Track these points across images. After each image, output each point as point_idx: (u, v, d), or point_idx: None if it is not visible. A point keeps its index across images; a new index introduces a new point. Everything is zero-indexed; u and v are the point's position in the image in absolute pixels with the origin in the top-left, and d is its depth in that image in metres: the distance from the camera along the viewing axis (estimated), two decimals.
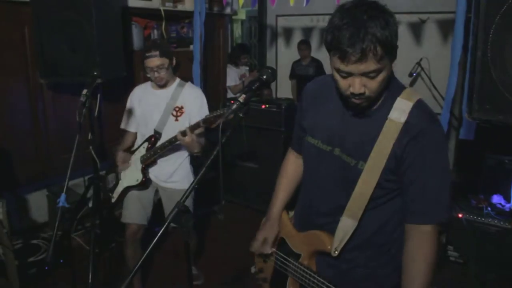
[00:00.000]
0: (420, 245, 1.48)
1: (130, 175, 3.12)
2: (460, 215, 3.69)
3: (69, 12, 3.18)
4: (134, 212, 3.13)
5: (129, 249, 3.19)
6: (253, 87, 1.49)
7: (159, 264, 3.80)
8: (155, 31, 4.58)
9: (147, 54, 2.90)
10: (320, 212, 1.68)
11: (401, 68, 5.84)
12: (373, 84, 1.38)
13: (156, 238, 1.34)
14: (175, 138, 2.80)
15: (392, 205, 1.56)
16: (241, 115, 1.44)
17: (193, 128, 2.69)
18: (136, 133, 3.23)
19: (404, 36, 6.18)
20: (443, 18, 5.75)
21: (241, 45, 6.95)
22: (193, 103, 3.05)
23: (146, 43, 2.81)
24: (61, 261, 3.47)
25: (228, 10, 5.33)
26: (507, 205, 3.70)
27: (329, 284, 1.58)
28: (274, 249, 1.86)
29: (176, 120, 3.04)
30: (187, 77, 4.37)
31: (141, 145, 3.11)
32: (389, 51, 1.34)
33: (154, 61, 2.88)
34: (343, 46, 1.30)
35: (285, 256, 1.79)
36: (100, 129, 4.12)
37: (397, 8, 5.78)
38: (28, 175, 3.72)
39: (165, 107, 3.04)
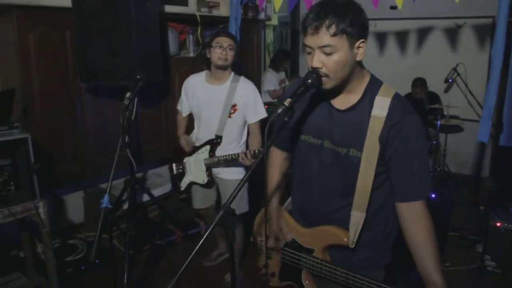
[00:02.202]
0: (421, 226, 1.62)
1: (196, 172, 3.36)
2: (498, 224, 3.61)
3: (110, 18, 3.24)
4: (202, 199, 3.51)
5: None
6: (298, 92, 1.50)
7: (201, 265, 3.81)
8: (191, 36, 4.64)
9: (222, 33, 3.12)
10: (321, 207, 1.82)
11: (437, 73, 5.76)
12: (330, 62, 1.52)
13: (201, 241, 1.35)
14: (236, 156, 3.08)
15: (383, 189, 1.73)
16: (286, 119, 1.45)
17: (255, 155, 3.00)
18: (187, 117, 3.48)
19: (440, 42, 6.10)
20: (480, 23, 5.65)
21: (283, 51, 6.82)
22: (247, 100, 3.16)
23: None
24: (97, 261, 3.54)
25: (262, 16, 5.35)
26: None
27: (347, 272, 1.71)
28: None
29: (230, 117, 3.17)
30: None
31: (203, 145, 3.29)
32: (344, 32, 1.49)
33: (227, 40, 3.06)
34: (306, 21, 1.53)
35: (295, 252, 1.90)
36: (136, 132, 4.19)
37: (433, 13, 5.73)
38: (66, 177, 3.80)
39: (222, 109, 3.16)
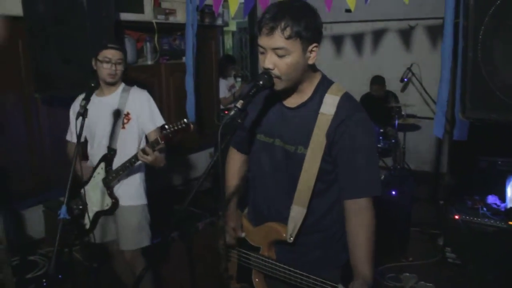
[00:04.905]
0: (361, 220, 1.61)
1: (98, 199, 2.88)
2: (456, 217, 3.72)
3: (63, 26, 3.19)
4: (102, 230, 2.98)
5: (115, 267, 3.16)
6: (250, 93, 1.51)
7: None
8: (148, 44, 4.61)
9: (109, 45, 2.75)
10: (272, 204, 1.83)
11: (392, 74, 5.90)
12: (282, 64, 1.54)
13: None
14: (135, 158, 2.63)
15: (334, 190, 1.73)
16: (239, 120, 1.46)
17: (153, 145, 2.51)
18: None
19: (394, 42, 6.25)
20: (432, 24, 5.82)
21: (227, 56, 6.82)
22: (141, 108, 2.83)
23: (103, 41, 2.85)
24: (60, 276, 3.45)
25: (219, 22, 5.37)
26: (502, 205, 3.74)
27: (289, 268, 1.70)
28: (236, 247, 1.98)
29: (123, 127, 2.81)
30: (180, 89, 4.41)
31: (98, 165, 2.87)
32: (298, 36, 1.50)
33: (116, 53, 2.73)
34: (262, 21, 1.52)
35: (246, 251, 1.93)
36: None
37: (387, 15, 5.87)
38: (24, 191, 3.72)
39: (114, 120, 2.80)
